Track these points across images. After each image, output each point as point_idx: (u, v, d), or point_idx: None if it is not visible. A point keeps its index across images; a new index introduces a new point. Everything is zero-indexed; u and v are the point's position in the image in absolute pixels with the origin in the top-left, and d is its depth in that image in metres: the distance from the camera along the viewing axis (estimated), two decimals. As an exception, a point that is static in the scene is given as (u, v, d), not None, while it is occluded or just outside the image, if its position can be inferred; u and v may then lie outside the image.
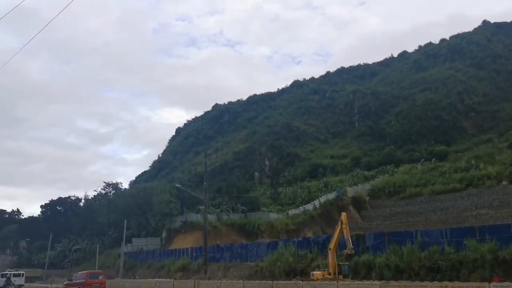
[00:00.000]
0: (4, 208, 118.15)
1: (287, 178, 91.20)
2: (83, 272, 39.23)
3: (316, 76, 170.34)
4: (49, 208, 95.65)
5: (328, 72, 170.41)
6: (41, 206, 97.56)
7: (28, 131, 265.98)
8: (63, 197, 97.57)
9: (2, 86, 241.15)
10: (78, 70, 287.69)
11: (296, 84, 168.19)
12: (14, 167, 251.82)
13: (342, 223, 28.81)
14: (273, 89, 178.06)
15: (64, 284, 40.55)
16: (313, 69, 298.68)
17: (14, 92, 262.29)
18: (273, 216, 62.47)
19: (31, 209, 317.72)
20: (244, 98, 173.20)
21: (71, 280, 38.95)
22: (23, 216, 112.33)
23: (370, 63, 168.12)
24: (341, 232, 29.01)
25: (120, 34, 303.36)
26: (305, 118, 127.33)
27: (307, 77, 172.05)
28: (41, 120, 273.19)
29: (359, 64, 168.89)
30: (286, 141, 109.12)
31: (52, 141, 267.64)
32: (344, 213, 30.57)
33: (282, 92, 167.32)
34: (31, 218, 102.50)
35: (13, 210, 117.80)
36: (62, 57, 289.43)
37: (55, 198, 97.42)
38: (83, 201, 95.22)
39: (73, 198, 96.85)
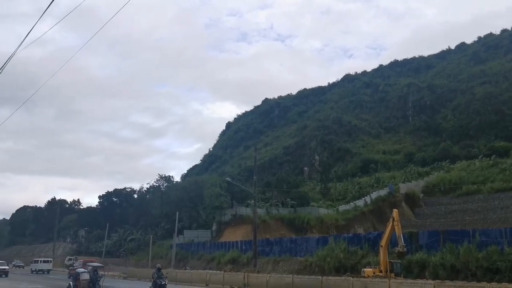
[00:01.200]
0: (65, 198, 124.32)
1: (337, 173, 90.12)
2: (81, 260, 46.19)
3: (369, 70, 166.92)
4: (106, 199, 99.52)
5: (381, 66, 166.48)
6: (99, 197, 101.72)
7: (87, 124, 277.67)
8: (119, 188, 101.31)
9: (64, 81, 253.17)
10: (134, 66, 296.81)
11: (348, 77, 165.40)
12: (74, 159, 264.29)
13: (394, 220, 28.15)
14: (324, 83, 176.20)
15: (69, 269, 48.12)
16: (365, 62, 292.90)
17: (74, 87, 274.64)
18: (323, 211, 61.96)
19: (90, 199, 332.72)
20: (294, 92, 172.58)
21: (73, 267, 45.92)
22: (82, 206, 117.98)
23: (426, 55, 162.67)
24: (393, 229, 28.35)
25: (174, 31, 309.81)
26: (356, 112, 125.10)
27: (359, 71, 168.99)
28: (99, 114, 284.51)
29: (414, 56, 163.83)
30: (337, 136, 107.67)
31: (109, 134, 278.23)
32: (396, 210, 29.85)
33: (333, 86, 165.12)
34: (89, 208, 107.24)
35: (73, 200, 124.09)
36: (119, 54, 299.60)
37: (111, 189, 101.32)
38: (137, 192, 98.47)
39: (128, 189, 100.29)
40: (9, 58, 12.49)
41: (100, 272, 26.44)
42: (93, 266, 26.18)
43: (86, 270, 25.90)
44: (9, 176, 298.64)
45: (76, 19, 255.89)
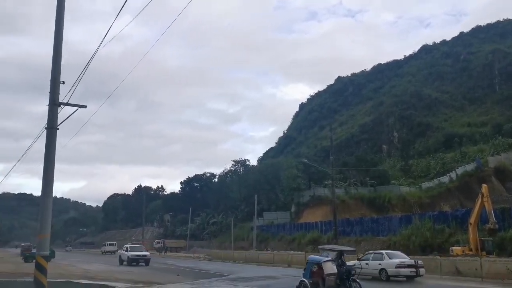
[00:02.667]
0: (150, 185, 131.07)
1: (418, 149, 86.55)
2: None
3: (448, 38, 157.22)
4: (187, 184, 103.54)
5: (461, 33, 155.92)
6: (180, 183, 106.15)
7: (166, 114, 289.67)
8: (199, 174, 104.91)
9: (142, 74, 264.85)
10: (207, 54, 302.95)
11: (425, 48, 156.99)
12: (156, 148, 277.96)
13: (483, 195, 26.65)
14: (399, 56, 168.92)
15: None
16: (444, 31, 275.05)
17: (152, 79, 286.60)
18: (405, 189, 60.07)
19: (173, 185, 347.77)
20: (368, 68, 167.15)
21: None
22: (166, 192, 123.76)
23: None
24: (482, 205, 26.88)
25: (243, 15, 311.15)
26: (436, 84, 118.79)
27: (437, 40, 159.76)
28: (176, 104, 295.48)
29: (498, 20, 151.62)
30: (416, 111, 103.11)
31: (187, 122, 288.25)
32: (485, 185, 28.23)
33: (409, 58, 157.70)
34: (172, 194, 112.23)
35: (157, 187, 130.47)
36: (192, 43, 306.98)
37: (192, 175, 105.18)
38: (217, 177, 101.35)
39: (207, 174, 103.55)
40: (92, 56, 13.19)
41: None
42: (339, 250, 16.98)
43: (330, 258, 15.88)
44: (99, 167, 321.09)
45: (149, 14, 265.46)
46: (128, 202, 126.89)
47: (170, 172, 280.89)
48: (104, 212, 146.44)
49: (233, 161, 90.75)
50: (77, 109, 13.25)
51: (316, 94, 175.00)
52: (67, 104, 12.91)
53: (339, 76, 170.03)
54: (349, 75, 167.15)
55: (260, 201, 65.79)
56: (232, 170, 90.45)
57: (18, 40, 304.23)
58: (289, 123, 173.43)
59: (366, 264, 23.86)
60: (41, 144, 12.70)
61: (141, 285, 21.81)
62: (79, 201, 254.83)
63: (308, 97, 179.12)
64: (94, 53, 13.29)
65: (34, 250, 47.73)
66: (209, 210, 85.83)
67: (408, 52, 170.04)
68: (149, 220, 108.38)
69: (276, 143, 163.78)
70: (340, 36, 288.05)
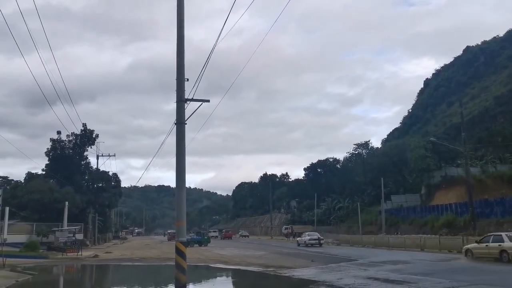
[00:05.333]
0: (274, 173, 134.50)
1: None
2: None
3: None
4: (311, 170, 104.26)
5: None
6: (304, 169, 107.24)
7: (286, 102, 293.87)
8: (322, 159, 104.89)
9: (260, 64, 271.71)
10: (323, 38, 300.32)
11: None
12: (279, 136, 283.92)
13: None
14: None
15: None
16: None
17: (270, 68, 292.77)
18: (553, 164, 53.63)
19: (297, 172, 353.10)
20: (502, 34, 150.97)
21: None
22: (290, 179, 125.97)
23: None
24: None
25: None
26: None
27: None
28: (295, 91, 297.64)
29: None
30: None
31: (307, 109, 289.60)
32: None
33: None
34: (297, 181, 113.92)
35: (282, 174, 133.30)
36: (307, 28, 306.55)
37: (315, 161, 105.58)
38: (340, 162, 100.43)
39: (331, 160, 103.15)
40: (211, 52, 13.95)
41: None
42: None
43: None
44: (225, 158, 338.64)
45: (264, 5, 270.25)
46: (255, 190, 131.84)
47: (293, 159, 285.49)
48: (233, 200, 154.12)
49: (355, 144, 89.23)
50: (201, 104, 14.18)
51: (442, 68, 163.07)
52: (192, 100, 13.89)
53: (467, 46, 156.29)
54: (480, 43, 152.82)
55: (386, 184, 63.77)
56: (355, 153, 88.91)
57: (147, 44, 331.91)
58: (414, 101, 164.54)
59: (486, 246, 24.51)
60: (173, 139, 13.85)
61: (272, 269, 22.68)
62: (211, 191, 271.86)
63: (434, 72, 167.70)
64: (213, 48, 14.05)
65: (190, 236, 54.76)
66: (334, 195, 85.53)
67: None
68: (276, 207, 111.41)
69: (400, 123, 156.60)
70: (466, 2, 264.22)
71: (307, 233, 52.81)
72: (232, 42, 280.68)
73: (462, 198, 47.72)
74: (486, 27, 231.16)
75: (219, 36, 13.52)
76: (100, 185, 62.38)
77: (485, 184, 52.11)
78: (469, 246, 27.01)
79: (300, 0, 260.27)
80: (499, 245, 23.54)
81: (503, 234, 24.77)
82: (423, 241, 37.65)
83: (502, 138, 62.25)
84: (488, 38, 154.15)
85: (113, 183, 64.95)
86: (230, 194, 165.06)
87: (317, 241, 47.90)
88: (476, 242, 26.13)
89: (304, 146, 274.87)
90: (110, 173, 65.01)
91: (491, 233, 26.98)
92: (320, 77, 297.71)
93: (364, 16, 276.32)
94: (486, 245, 24.64)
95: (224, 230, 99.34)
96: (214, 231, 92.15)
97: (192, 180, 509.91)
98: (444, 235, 39.15)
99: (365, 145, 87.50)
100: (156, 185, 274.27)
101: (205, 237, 57.55)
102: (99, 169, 62.02)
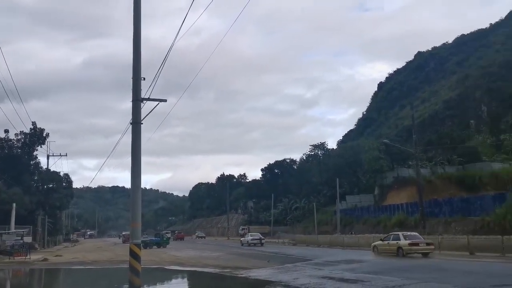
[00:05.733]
0: (232, 173, 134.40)
1: (510, 123, 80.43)
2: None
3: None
4: (268, 171, 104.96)
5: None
6: (261, 170, 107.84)
7: (245, 102, 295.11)
8: (279, 160, 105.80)
9: (220, 65, 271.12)
10: (282, 40, 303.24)
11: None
12: (237, 136, 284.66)
13: None
14: (484, 25, 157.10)
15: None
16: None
17: (230, 69, 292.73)
18: (497, 166, 56.26)
19: (255, 172, 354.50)
20: (450, 40, 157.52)
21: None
22: (248, 179, 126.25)
23: None
24: None
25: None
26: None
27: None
28: (254, 91, 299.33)
29: None
30: (507, 82, 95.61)
31: (266, 109, 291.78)
32: None
33: (496, 26, 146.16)
34: (254, 181, 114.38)
35: (240, 174, 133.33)
36: (266, 29, 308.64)
37: (272, 162, 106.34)
38: (297, 163, 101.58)
39: (288, 160, 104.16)
40: (169, 51, 13.75)
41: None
42: None
43: None
44: (183, 158, 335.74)
45: (224, 5, 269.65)
46: (212, 191, 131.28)
47: (251, 160, 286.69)
48: (190, 201, 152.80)
49: (311, 145, 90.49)
50: (158, 103, 13.92)
51: (395, 72, 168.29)
52: (148, 99, 13.62)
53: (419, 52, 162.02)
54: (430, 49, 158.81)
55: (342, 184, 65.04)
56: (311, 154, 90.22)
57: (103, 41, 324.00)
58: (368, 104, 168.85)
59: (388, 243, 29.13)
60: (128, 139, 13.53)
61: (228, 270, 22.59)
62: (167, 192, 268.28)
63: (387, 75, 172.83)
64: (171, 47, 13.85)
65: (149, 237, 54.53)
66: (291, 196, 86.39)
67: (494, 20, 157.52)
68: (233, 207, 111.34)
69: (355, 125, 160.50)
70: (418, 9, 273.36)
71: (249, 233, 57.79)
72: (190, 41, 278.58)
73: (413, 198, 49.33)
74: (436, 34, 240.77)
75: (177, 35, 13.38)
76: (51, 186, 60.25)
77: (434, 185, 54.12)
78: (375, 243, 31.39)
79: (259, 1, 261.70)
80: (397, 242, 27.91)
81: (400, 233, 29.20)
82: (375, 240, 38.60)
83: (450, 141, 64.82)
84: (438, 44, 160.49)
85: (64, 183, 62.94)
86: (187, 194, 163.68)
87: (259, 240, 51.08)
88: (381, 240, 30.81)
89: (263, 146, 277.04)
90: (62, 174, 63.06)
91: (392, 233, 31.51)
92: (279, 78, 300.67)
93: (322, 19, 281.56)
94: (388, 243, 29.02)
95: (176, 231, 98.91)
96: (167, 233, 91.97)
97: (148, 180, 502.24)
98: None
99: (321, 146, 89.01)
100: (110, 185, 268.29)
101: (164, 239, 57.02)
102: (50, 169, 59.84)
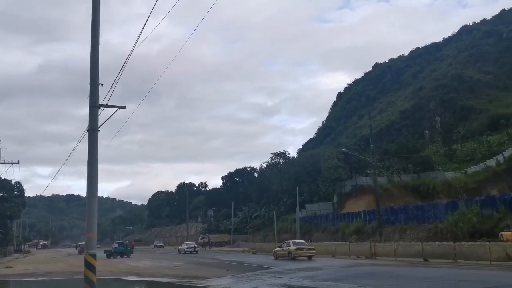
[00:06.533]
0: (193, 182, 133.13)
1: (461, 133, 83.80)
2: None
3: (488, 17, 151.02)
4: (229, 179, 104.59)
5: (502, 11, 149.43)
6: (222, 178, 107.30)
7: (206, 110, 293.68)
8: (240, 168, 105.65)
9: (181, 72, 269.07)
10: (244, 48, 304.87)
11: (465, 29, 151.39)
12: (198, 144, 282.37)
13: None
14: (438, 39, 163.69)
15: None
16: (483, 10, 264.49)
17: (191, 76, 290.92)
18: (449, 175, 58.44)
19: (216, 181, 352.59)
20: (406, 53, 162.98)
21: None
22: (208, 188, 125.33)
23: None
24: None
25: (278, 7, 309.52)
26: (478, 65, 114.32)
27: (477, 20, 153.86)
28: (215, 99, 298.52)
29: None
30: (458, 94, 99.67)
31: (227, 117, 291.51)
32: None
33: (449, 40, 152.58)
34: (215, 189, 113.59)
35: (200, 182, 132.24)
36: (229, 38, 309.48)
37: (233, 170, 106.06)
38: (257, 171, 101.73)
39: (248, 169, 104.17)
40: (128, 57, 13.52)
41: None
42: None
43: None
44: (142, 165, 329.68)
45: (185, 12, 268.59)
46: (172, 199, 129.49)
47: (212, 168, 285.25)
48: (149, 210, 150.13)
49: (272, 153, 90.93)
50: (117, 110, 13.64)
51: (353, 82, 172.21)
52: (106, 105, 13.30)
53: (376, 63, 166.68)
54: (387, 61, 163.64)
55: (301, 192, 65.65)
56: (272, 163, 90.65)
57: (60, 46, 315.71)
58: (328, 113, 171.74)
59: (282, 249, 36.88)
60: (85, 146, 13.17)
61: (187, 280, 22.28)
62: (125, 200, 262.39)
63: (346, 85, 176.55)
64: (130, 54, 13.62)
65: (116, 246, 56.07)
66: (251, 204, 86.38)
67: (447, 34, 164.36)
68: (193, 216, 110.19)
69: (315, 134, 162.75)
70: (376, 22, 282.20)
71: (186, 242, 66.70)
72: (151, 47, 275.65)
73: (371, 206, 50.40)
74: (393, 46, 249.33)
75: (137, 41, 13.16)
76: (1, 194, 57.74)
77: (391, 193, 55.56)
78: (275, 249, 38.53)
79: (221, 9, 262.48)
80: (288, 248, 35.73)
81: (291, 241, 37.30)
82: (334, 248, 39.19)
83: (406, 150, 66.74)
84: (394, 56, 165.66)
85: (16, 192, 60.50)
86: (146, 203, 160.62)
87: (193, 248, 59.18)
88: (278, 246, 38.74)
89: (224, 154, 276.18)
90: (13, 182, 60.47)
91: (286, 241, 39.25)
92: (240, 86, 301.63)
93: (284, 29, 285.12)
94: (282, 248, 36.79)
95: (127, 241, 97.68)
96: (117, 242, 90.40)
97: (105, 189, 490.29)
98: (353, 242, 41.08)
99: (282, 154, 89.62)
100: (65, 194, 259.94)
101: (128, 248, 57.24)
102: (0, 177, 57.38)
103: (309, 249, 35.10)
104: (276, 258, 36.46)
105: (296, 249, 34.84)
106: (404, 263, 27.69)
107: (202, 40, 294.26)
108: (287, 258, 35.05)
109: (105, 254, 52.49)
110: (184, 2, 12.10)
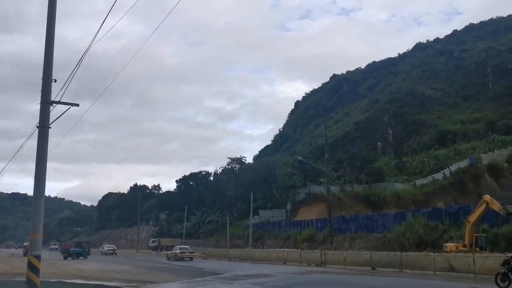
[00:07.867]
0: (146, 184, 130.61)
1: (412, 147, 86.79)
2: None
3: (442, 37, 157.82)
4: (183, 183, 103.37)
5: (455, 31, 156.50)
6: (176, 181, 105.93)
7: (164, 112, 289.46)
8: (195, 172, 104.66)
9: (139, 72, 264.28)
10: (205, 52, 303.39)
11: (419, 46, 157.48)
12: (154, 146, 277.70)
13: (488, 203, 26.63)
14: (394, 54, 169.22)
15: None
16: (437, 29, 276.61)
17: (150, 77, 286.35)
18: (399, 186, 60.24)
19: (170, 184, 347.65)
20: (363, 66, 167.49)
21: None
22: (162, 191, 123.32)
23: (505, 16, 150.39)
24: (486, 210, 26.99)
25: (241, 13, 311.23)
26: (430, 82, 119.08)
27: (431, 38, 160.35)
28: (174, 101, 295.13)
29: (492, 18, 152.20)
30: (410, 108, 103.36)
31: (185, 120, 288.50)
32: (488, 195, 28.10)
33: (403, 56, 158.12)
34: (168, 193, 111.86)
35: (154, 185, 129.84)
36: (190, 40, 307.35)
37: (188, 174, 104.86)
38: (212, 175, 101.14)
39: (203, 173, 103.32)
40: (84, 53, 13.15)
41: None
42: None
43: None
44: (94, 166, 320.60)
45: (147, 12, 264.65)
46: (123, 201, 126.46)
47: (167, 171, 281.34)
48: (98, 211, 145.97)
49: (229, 158, 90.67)
50: (70, 108, 13.22)
51: (311, 92, 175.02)
52: (59, 102, 12.87)
53: (334, 74, 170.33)
54: (344, 73, 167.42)
55: (256, 199, 65.80)
56: (228, 168, 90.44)
57: (12, 38, 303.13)
58: (285, 121, 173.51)
59: (172, 252, 47.54)
60: (34, 143, 12.68)
61: (135, 284, 21.79)
62: (74, 201, 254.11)
63: (304, 94, 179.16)
64: (86, 50, 13.27)
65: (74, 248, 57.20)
66: (205, 209, 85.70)
67: (402, 50, 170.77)
68: (145, 219, 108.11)
69: (272, 140, 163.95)
70: (335, 34, 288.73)
71: (106, 245, 75.20)
72: (109, 45, 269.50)
73: (323, 214, 51.16)
74: (351, 58, 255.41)
75: (94, 37, 12.84)
76: None
77: (343, 202, 56.65)
78: (168, 252, 50.18)
79: (184, 11, 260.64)
80: (175, 252, 46.76)
81: (178, 246, 49.74)
82: (286, 254, 39.47)
83: (359, 160, 68.34)
84: (352, 68, 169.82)
85: (-43, 188, 57.20)
86: (96, 204, 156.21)
87: (113, 251, 67.90)
88: (170, 250, 49.49)
89: (180, 158, 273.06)
90: (-46, 177, 57.24)
91: (176, 246, 51.49)
92: (200, 90, 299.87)
93: (245, 35, 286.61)
94: (172, 251, 47.52)
95: (63, 243, 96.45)
96: (54, 244, 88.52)
97: (53, 188, 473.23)
98: (305, 249, 41.53)
99: (239, 160, 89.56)
100: (10, 192, 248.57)
101: (86, 249, 57.18)
102: None
103: (190, 252, 47.14)
104: (168, 259, 46.31)
105: (180, 252, 46.11)
106: (353, 271, 28.24)
107: (163, 41, 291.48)
108: (174, 259, 45.34)
109: (62, 256, 55.13)
110: (146, 0, 11.96)
